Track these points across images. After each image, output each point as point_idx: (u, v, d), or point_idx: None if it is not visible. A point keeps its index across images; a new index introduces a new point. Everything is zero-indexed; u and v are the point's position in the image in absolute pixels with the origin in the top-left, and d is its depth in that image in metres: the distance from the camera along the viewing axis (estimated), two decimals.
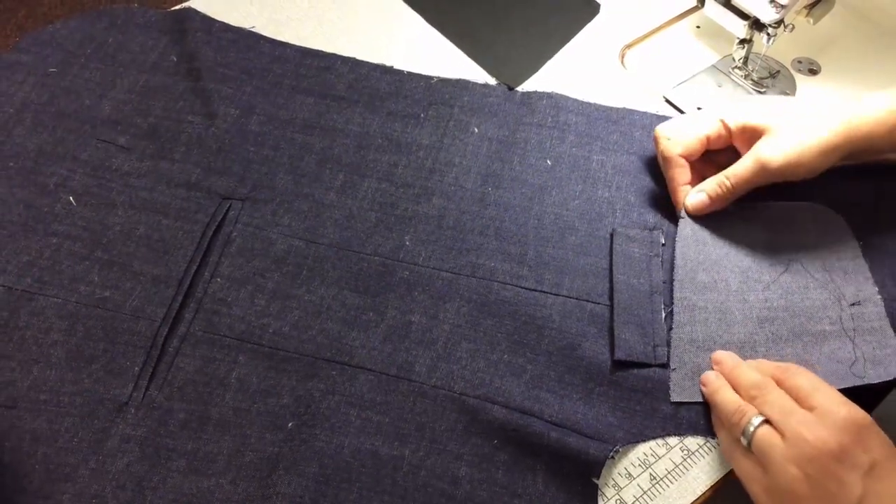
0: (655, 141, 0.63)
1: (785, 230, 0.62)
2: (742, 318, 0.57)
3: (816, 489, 0.44)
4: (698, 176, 0.63)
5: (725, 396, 0.52)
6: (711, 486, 0.52)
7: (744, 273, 0.60)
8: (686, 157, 0.62)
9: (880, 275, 0.59)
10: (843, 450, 0.45)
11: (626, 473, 0.53)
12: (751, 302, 0.58)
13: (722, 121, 0.61)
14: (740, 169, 0.59)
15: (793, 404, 0.48)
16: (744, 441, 0.49)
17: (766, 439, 0.47)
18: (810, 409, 0.48)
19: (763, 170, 0.58)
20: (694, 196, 0.61)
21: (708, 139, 0.62)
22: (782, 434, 0.47)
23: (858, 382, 0.54)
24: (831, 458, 0.45)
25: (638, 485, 0.52)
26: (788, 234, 0.62)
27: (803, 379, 0.50)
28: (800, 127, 0.58)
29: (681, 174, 0.62)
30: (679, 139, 0.62)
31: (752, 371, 0.52)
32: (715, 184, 0.60)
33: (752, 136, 0.60)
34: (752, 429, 0.48)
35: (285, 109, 0.70)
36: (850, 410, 0.47)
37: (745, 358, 0.55)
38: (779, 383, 0.51)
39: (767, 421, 0.48)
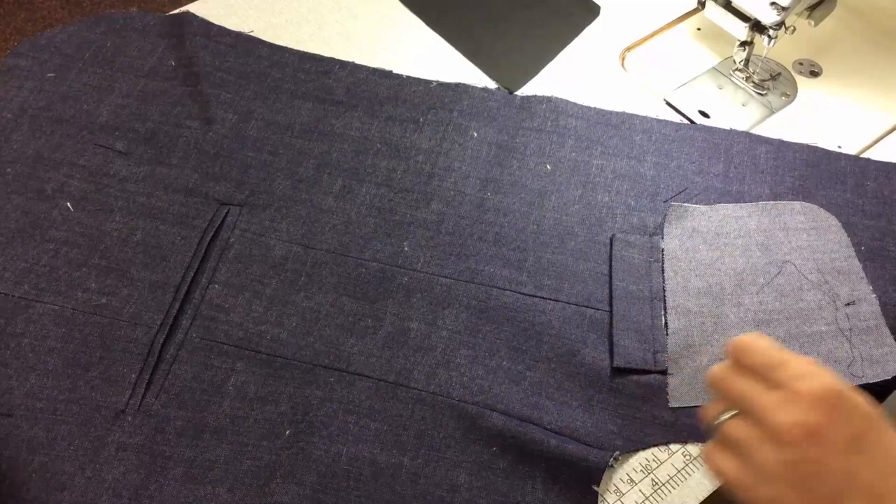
0: None
1: (778, 231, 0.62)
2: (737, 321, 0.57)
3: (796, 475, 0.40)
4: None
5: (704, 406, 0.46)
6: (714, 492, 0.52)
7: (738, 276, 0.59)
8: None
9: (882, 280, 0.59)
10: (817, 429, 0.40)
11: (627, 479, 0.52)
12: (746, 305, 0.58)
13: None
14: None
15: (756, 389, 0.43)
16: (716, 438, 0.44)
17: (735, 432, 0.43)
18: (777, 387, 0.42)
19: None
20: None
21: None
22: (752, 423, 0.42)
23: (857, 382, 0.54)
24: (806, 439, 0.40)
25: (640, 490, 0.52)
26: (781, 235, 0.61)
27: (759, 356, 0.43)
28: None
29: None
30: None
31: (718, 366, 0.46)
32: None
33: None
34: (719, 424, 0.43)
35: (284, 114, 0.70)
36: (819, 382, 0.41)
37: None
38: (739, 364, 0.44)
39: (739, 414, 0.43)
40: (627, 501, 0.51)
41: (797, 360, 0.43)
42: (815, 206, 0.63)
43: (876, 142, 0.71)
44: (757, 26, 0.70)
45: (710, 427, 0.45)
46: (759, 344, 0.44)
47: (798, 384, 0.42)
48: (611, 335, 0.57)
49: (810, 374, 0.42)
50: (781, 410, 0.41)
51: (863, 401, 0.41)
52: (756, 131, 0.71)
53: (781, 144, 0.68)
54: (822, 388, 0.41)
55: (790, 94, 0.75)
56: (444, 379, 0.55)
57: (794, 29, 0.70)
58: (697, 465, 0.53)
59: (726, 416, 0.44)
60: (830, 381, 0.41)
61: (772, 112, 0.74)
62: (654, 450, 0.53)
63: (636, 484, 0.52)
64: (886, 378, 0.54)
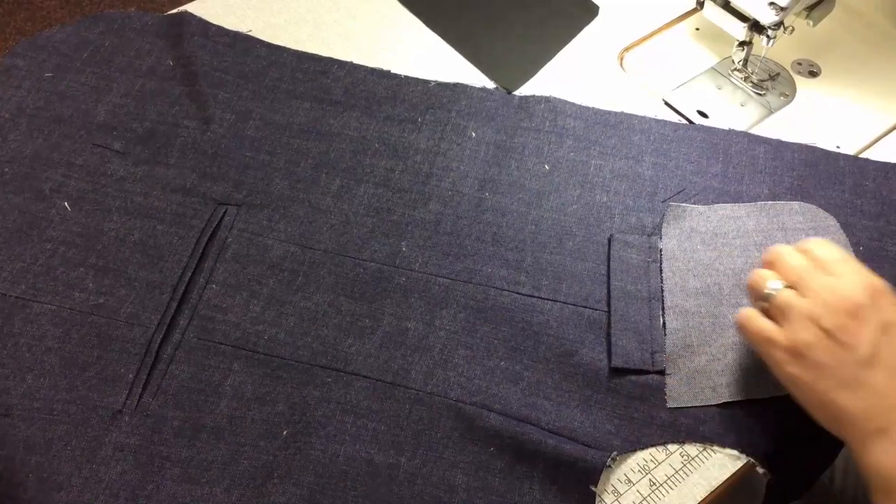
0: None
1: (776, 231, 0.62)
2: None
3: (830, 340, 0.47)
4: None
5: (753, 273, 0.53)
6: (712, 492, 0.52)
7: (736, 276, 0.59)
8: None
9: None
10: (858, 306, 0.48)
11: (625, 479, 0.52)
12: (744, 305, 0.58)
13: None
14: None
15: (814, 268, 0.50)
16: (764, 303, 0.51)
17: (785, 298, 0.50)
18: (832, 274, 0.50)
19: None
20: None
21: None
22: (802, 294, 0.49)
23: None
24: (847, 312, 0.47)
25: (637, 491, 0.52)
26: (780, 235, 0.61)
27: (826, 251, 0.51)
28: None
29: None
30: None
31: (780, 246, 0.53)
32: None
33: None
34: (773, 291, 0.51)
35: (281, 114, 0.70)
36: (868, 276, 0.49)
37: (740, 359, 0.55)
38: (802, 251, 0.52)
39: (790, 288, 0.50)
40: (625, 502, 0.51)
41: (854, 262, 0.51)
42: (814, 207, 0.63)
43: (875, 142, 0.71)
44: (755, 26, 0.70)
45: (761, 294, 0.51)
46: (830, 244, 0.52)
47: (852, 273, 0.50)
48: (609, 335, 0.57)
49: (862, 270, 0.50)
50: (833, 287, 0.49)
51: None
52: (755, 131, 0.71)
53: (780, 144, 0.68)
54: (869, 280, 0.49)
55: (789, 94, 0.75)
56: (442, 379, 0.55)
57: (793, 29, 0.70)
58: (695, 465, 0.53)
59: (778, 284, 0.51)
60: (877, 279, 0.50)
61: (770, 112, 0.74)
62: (652, 450, 0.53)
63: (634, 484, 0.52)
64: None
